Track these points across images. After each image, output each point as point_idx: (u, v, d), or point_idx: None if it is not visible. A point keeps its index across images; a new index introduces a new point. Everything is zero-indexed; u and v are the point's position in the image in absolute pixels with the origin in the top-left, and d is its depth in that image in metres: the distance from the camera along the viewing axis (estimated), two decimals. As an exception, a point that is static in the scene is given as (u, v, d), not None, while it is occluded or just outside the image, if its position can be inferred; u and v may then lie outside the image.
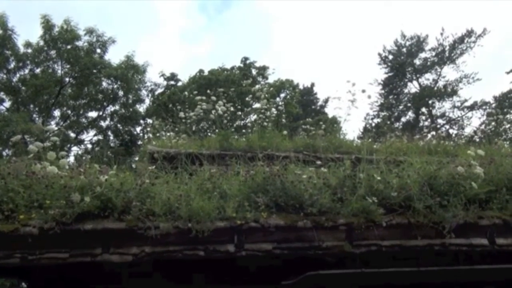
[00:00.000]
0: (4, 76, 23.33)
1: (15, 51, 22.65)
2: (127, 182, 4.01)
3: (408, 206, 4.07)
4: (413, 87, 37.18)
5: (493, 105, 32.11)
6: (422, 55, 36.35)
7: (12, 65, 23.14)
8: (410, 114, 36.81)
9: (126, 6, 54.73)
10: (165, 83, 27.16)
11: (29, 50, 23.14)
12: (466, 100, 34.12)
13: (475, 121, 32.77)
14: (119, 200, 3.80)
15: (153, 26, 58.77)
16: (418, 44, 36.29)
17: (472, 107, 33.88)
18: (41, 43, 22.95)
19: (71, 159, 21.65)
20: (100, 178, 3.87)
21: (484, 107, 33.11)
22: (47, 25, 22.31)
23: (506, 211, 4.20)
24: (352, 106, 7.10)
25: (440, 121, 34.78)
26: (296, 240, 3.87)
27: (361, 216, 3.98)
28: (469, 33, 34.06)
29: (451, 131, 30.70)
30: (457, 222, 3.96)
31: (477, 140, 9.27)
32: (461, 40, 34.39)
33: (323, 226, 3.89)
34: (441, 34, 35.15)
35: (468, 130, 30.16)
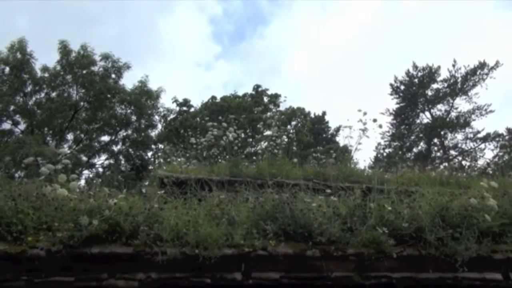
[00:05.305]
0: (21, 99, 23.78)
1: (33, 75, 23.17)
2: (136, 206, 4.00)
3: (419, 238, 4.00)
4: (425, 118, 37.17)
5: (507, 137, 31.79)
6: (434, 86, 36.43)
7: (28, 88, 23.63)
8: (422, 145, 36.64)
9: (142, 34, 55.96)
10: (177, 108, 27.48)
11: (46, 74, 23.67)
12: (479, 132, 33.99)
13: (488, 153, 32.42)
14: (127, 224, 3.78)
15: (168, 54, 59.84)
16: (430, 75, 36.36)
17: (485, 139, 33.62)
18: (58, 67, 23.46)
19: (82, 182, 21.76)
20: (109, 201, 3.87)
21: (497, 139, 32.82)
22: (65, 50, 22.87)
23: (521, 245, 4.09)
24: (363, 135, 7.07)
25: (452, 152, 34.50)
26: (305, 269, 3.81)
27: (371, 246, 3.91)
28: (482, 65, 34.10)
29: (463, 162, 30.34)
30: (470, 255, 3.87)
31: (490, 172, 9.14)
32: (473, 72, 34.42)
33: (332, 256, 3.83)
34: (453, 65, 35.29)
35: (481, 162, 29.83)
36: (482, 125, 37.13)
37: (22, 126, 24.61)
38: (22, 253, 3.50)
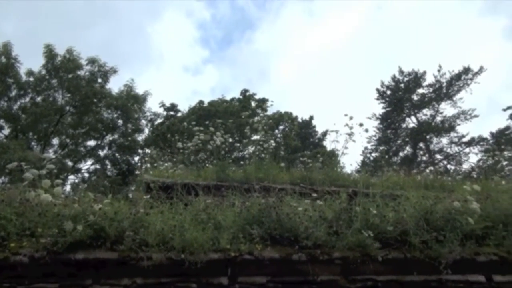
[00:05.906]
0: (5, 103, 23.42)
1: (17, 79, 22.83)
2: (121, 211, 3.97)
3: (404, 241, 4.04)
4: (411, 122, 37.45)
5: (490, 141, 32.23)
6: (420, 90, 36.75)
7: (13, 93, 23.28)
8: (408, 149, 36.89)
9: (130, 39, 55.73)
10: (164, 113, 27.36)
11: (31, 79, 23.34)
12: (463, 136, 34.33)
13: (472, 157, 32.82)
14: (112, 229, 3.75)
15: (156, 58, 59.69)
16: (416, 80, 36.72)
17: (469, 143, 34.00)
18: (43, 71, 23.18)
19: (68, 188, 21.48)
20: (94, 206, 3.84)
21: (481, 143, 33.25)
22: (50, 55, 22.59)
23: (503, 248, 4.16)
24: (350, 140, 7.12)
25: (437, 156, 34.84)
26: (291, 273, 3.82)
27: (356, 250, 3.94)
28: (466, 70, 34.55)
29: (448, 166, 30.71)
30: (454, 258, 3.92)
31: (475, 176, 9.26)
32: (458, 77, 34.84)
33: (318, 259, 3.85)
34: (438, 70, 35.66)
35: (465, 166, 30.21)
36: (466, 129, 37.64)
37: (6, 131, 24.24)
38: (5, 259, 3.46)
